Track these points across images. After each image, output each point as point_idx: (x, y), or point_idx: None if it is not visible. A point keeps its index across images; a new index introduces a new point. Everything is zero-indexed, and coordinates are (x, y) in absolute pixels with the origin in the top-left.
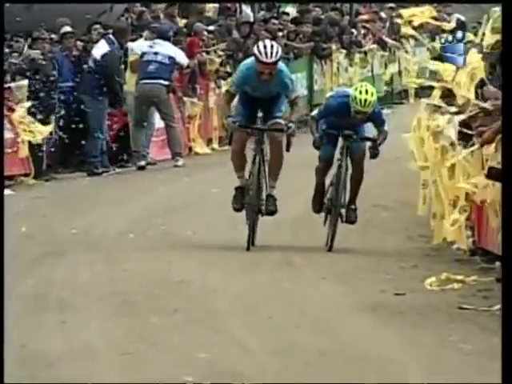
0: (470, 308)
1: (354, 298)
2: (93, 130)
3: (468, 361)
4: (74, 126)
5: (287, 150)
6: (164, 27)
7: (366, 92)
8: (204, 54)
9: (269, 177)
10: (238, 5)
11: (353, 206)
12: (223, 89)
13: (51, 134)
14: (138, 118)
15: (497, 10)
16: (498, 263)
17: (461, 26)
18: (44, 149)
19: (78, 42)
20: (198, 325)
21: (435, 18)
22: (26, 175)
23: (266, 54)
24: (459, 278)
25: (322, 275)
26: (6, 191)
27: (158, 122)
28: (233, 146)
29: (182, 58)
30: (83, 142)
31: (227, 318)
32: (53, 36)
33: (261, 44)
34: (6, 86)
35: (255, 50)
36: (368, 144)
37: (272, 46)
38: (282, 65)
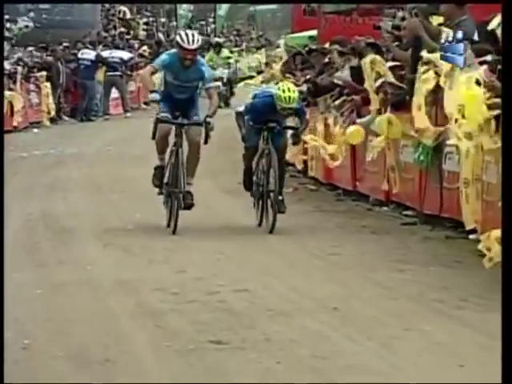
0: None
1: (219, 187)
2: (91, 97)
3: (297, 221)
4: (72, 93)
5: (205, 142)
6: (118, 42)
7: (289, 90)
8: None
9: (186, 174)
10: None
11: (280, 197)
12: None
13: (59, 98)
14: (106, 92)
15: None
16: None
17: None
18: (54, 106)
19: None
20: (137, 200)
21: None
22: (46, 120)
23: (188, 41)
24: (295, 185)
25: (221, 188)
26: (35, 130)
27: (113, 93)
28: (157, 136)
29: (127, 56)
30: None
31: (154, 194)
32: (60, 48)
33: (183, 33)
34: (33, 75)
35: (178, 39)
36: (290, 132)
37: (193, 35)
38: (200, 57)
